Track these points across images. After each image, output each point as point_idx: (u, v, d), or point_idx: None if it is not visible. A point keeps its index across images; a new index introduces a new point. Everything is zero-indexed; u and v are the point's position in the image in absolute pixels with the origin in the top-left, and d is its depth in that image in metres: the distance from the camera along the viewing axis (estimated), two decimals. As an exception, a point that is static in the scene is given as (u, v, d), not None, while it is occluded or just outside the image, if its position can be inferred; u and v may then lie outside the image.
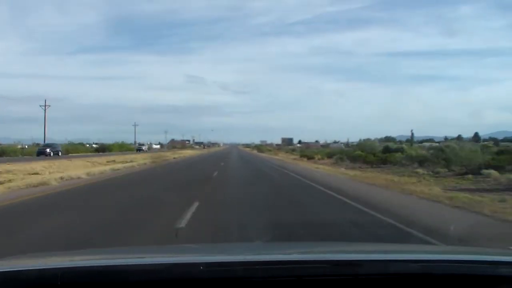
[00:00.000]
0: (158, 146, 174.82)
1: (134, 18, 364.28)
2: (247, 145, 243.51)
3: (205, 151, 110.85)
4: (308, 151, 65.32)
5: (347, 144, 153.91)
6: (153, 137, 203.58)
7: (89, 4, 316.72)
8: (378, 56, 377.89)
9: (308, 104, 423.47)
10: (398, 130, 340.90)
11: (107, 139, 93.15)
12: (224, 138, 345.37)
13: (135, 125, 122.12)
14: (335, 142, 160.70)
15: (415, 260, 2.13)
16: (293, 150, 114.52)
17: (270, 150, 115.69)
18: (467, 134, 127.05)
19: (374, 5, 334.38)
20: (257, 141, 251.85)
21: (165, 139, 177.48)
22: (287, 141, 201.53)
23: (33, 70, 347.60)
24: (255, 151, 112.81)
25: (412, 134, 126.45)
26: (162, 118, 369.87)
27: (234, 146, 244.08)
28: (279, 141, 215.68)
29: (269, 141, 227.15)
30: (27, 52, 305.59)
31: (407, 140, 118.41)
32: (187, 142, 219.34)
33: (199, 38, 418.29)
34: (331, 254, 2.53)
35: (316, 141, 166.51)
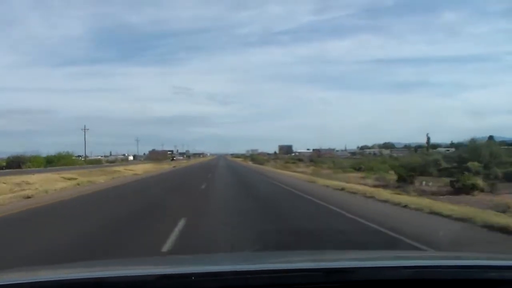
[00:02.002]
0: (131, 158, 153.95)
1: (120, 30, 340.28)
2: (236, 155, 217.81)
3: (171, 165, 69.78)
4: (340, 161, 39.49)
5: (344, 150, 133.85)
6: (141, 148, 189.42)
7: (75, 17, 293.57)
8: (364, 64, 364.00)
9: (296, 113, 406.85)
10: (392, 136, 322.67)
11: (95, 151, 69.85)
12: (212, 148, 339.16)
13: (84, 129, 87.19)
14: (329, 149, 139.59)
15: (407, 266, 2.12)
16: (300, 159, 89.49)
17: (267, 161, 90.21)
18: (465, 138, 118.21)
19: (359, 14, 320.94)
20: (245, 150, 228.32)
21: (136, 150, 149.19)
22: (285, 149, 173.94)
23: (19, 83, 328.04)
24: (249, 163, 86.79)
25: (428, 138, 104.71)
26: (149, 130, 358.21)
27: (222, 156, 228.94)
28: (269, 150, 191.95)
29: (260, 150, 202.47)
30: (13, 65, 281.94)
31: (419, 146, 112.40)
32: (169, 152, 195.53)
33: (185, 48, 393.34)
34: (323, 262, 2.47)
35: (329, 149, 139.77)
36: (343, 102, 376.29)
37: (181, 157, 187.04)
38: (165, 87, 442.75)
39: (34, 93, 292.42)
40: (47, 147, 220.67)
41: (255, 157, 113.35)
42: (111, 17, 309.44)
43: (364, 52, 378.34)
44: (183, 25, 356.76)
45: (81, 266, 2.75)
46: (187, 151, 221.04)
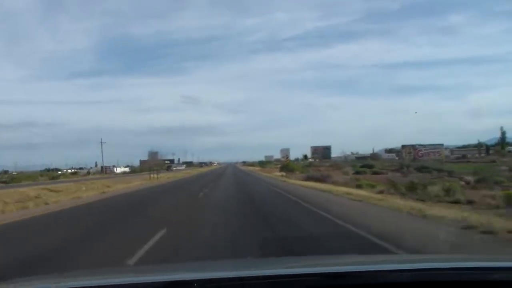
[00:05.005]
0: (126, 169, 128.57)
1: (126, 41, 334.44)
2: (250, 163, 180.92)
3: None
4: None
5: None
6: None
7: (81, 29, 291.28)
8: (372, 68, 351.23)
9: (306, 119, 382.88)
10: (409, 139, 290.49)
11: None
12: (223, 157, 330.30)
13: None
14: (435, 146, 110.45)
15: (403, 270, 2.11)
16: (365, 166, 51.53)
17: (303, 170, 53.32)
18: (469, 141, 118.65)
19: (365, 18, 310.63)
20: (256, 158, 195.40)
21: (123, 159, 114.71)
22: (321, 152, 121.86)
23: (27, 97, 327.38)
24: (284, 178, 49.01)
25: (504, 133, 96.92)
26: (158, 140, 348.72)
27: (231, 165, 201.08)
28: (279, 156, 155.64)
29: (275, 157, 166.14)
30: (22, 79, 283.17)
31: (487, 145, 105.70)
32: (167, 162, 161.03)
33: (192, 58, 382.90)
34: (322, 267, 2.47)
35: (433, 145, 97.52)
36: (352, 107, 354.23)
37: (182, 167, 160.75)
38: (173, 97, 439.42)
39: (42, 106, 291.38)
40: (53, 160, 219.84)
41: (289, 166, 65.74)
42: (117, 28, 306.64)
43: (370, 57, 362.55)
44: (189, 35, 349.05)
45: (82, 275, 2.75)
46: (159, 157, 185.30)
